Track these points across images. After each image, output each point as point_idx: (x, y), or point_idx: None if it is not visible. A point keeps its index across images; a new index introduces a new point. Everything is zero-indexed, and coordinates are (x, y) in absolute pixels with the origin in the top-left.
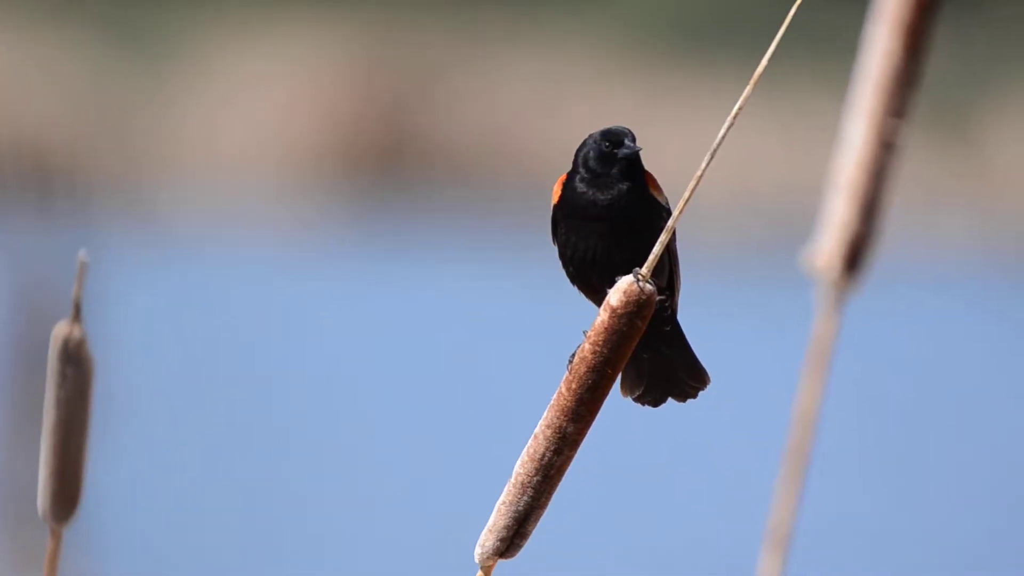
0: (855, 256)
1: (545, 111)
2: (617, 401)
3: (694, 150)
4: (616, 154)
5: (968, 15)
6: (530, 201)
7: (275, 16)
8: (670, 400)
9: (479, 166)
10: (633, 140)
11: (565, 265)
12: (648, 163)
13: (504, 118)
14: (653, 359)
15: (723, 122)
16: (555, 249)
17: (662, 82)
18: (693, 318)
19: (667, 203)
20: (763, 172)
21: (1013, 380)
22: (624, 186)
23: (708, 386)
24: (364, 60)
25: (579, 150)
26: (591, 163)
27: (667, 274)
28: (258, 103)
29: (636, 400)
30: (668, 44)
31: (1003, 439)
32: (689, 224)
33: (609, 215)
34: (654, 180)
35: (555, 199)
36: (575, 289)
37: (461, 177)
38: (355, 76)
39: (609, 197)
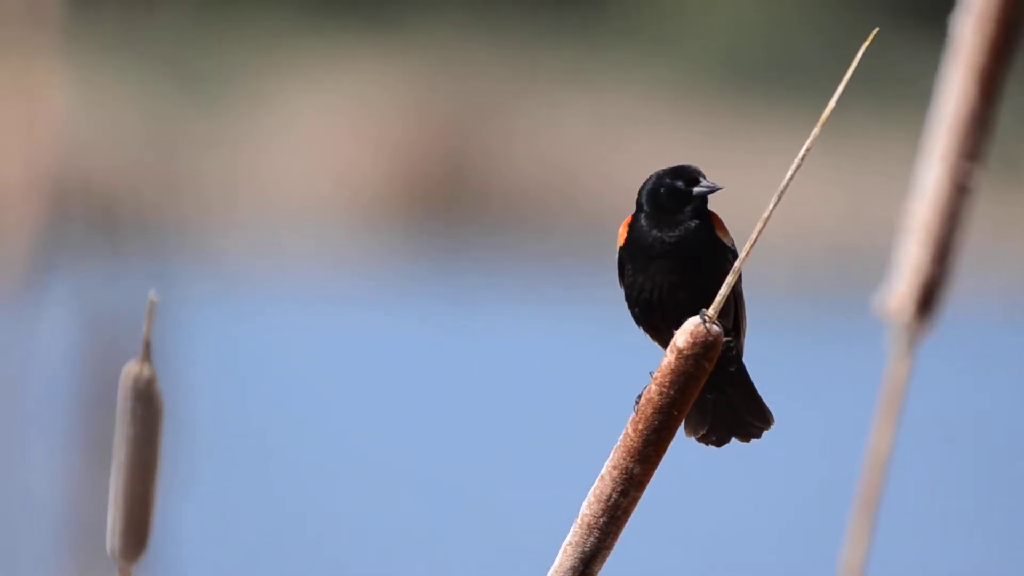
0: (929, 299)
1: (604, 150)
2: (681, 441)
3: (751, 190)
4: (691, 192)
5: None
6: (590, 240)
7: (335, 56)
8: (733, 440)
9: (539, 205)
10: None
11: (631, 306)
12: (709, 203)
13: (564, 157)
14: (717, 399)
15: (780, 162)
16: (620, 290)
17: (719, 122)
18: (756, 357)
19: (733, 244)
20: (822, 213)
21: None
22: (691, 224)
23: (772, 426)
24: (425, 100)
25: (642, 189)
26: (660, 201)
27: (733, 316)
28: (319, 143)
29: (700, 440)
30: (725, 85)
31: None
32: (748, 265)
33: (676, 252)
34: (719, 220)
35: (621, 241)
36: (640, 330)
37: (521, 215)
38: (416, 115)
39: (676, 234)
